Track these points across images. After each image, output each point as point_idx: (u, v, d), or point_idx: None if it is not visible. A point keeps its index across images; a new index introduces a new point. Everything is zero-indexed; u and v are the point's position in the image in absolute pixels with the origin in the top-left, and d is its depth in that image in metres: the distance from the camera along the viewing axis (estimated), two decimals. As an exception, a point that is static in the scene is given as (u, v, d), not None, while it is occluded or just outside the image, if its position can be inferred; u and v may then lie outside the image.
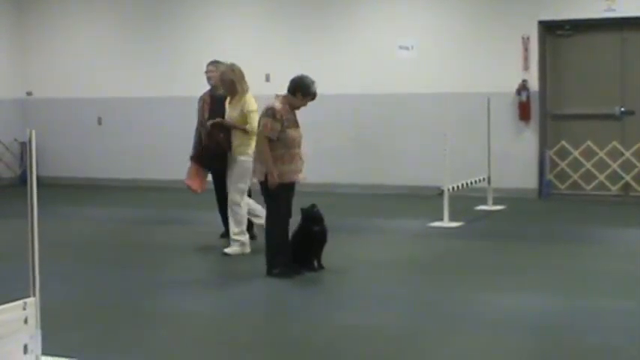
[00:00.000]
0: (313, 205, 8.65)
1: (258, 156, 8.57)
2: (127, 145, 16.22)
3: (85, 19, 16.53)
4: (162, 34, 15.84)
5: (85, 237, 11.09)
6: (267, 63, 15.14)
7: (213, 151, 9.70)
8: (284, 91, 8.66)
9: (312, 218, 8.58)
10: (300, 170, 8.62)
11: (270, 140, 8.41)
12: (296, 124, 8.64)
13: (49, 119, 16.63)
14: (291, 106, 8.58)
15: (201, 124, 10.18)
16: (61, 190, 15.49)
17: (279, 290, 8.19)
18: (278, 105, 8.48)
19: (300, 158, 8.63)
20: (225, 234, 10.23)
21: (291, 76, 14.68)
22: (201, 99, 10.32)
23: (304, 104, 8.63)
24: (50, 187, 14.91)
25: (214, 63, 10.34)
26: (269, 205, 8.61)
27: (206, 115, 10.11)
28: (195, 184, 10.15)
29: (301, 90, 8.50)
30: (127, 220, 12.43)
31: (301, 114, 14.79)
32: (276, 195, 8.46)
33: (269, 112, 8.43)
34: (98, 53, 16.37)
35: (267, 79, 15.15)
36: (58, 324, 6.62)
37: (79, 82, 16.56)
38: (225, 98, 10.11)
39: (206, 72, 10.31)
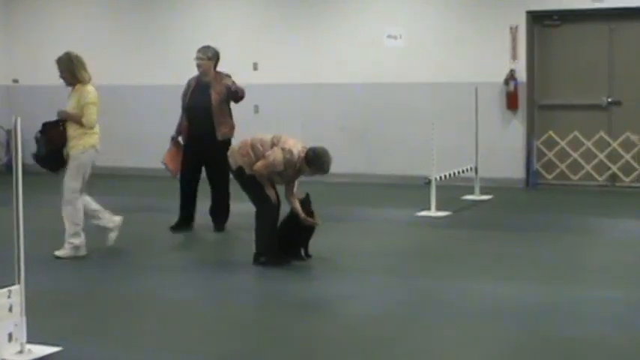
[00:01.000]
0: (307, 195, 8.63)
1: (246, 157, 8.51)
2: (113, 133, 16.11)
3: (73, 7, 16.45)
4: (150, 23, 15.77)
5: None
6: (254, 52, 15.11)
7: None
8: (272, 78, 8.60)
9: (303, 208, 8.56)
10: None
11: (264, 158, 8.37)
12: (280, 182, 8.51)
13: (36, 107, 16.52)
14: (300, 169, 8.43)
15: (183, 108, 10.22)
16: (47, 178, 15.38)
17: (266, 278, 8.18)
18: (296, 158, 8.30)
19: None
20: (178, 226, 10.18)
21: (279, 65, 14.80)
22: (189, 83, 10.30)
23: (311, 175, 8.52)
24: (36, 175, 14.83)
25: (204, 49, 10.25)
26: (252, 196, 8.57)
27: (187, 99, 10.12)
28: (173, 166, 10.13)
29: (314, 165, 8.34)
30: (112, 208, 12.33)
31: (291, 103, 14.82)
32: (254, 184, 8.45)
33: (287, 154, 8.29)
34: (85, 41, 16.26)
35: (255, 67, 15.12)
36: (42, 311, 6.61)
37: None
38: (209, 84, 10.08)
39: (195, 58, 10.25)
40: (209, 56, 10.14)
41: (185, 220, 10.21)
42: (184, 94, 10.27)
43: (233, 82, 10.19)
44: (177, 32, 15.31)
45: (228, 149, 10.00)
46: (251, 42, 15.12)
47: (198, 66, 10.17)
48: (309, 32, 14.83)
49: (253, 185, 8.49)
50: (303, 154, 8.34)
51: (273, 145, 8.41)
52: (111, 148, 16.11)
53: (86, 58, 16.27)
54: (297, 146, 8.39)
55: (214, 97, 10.05)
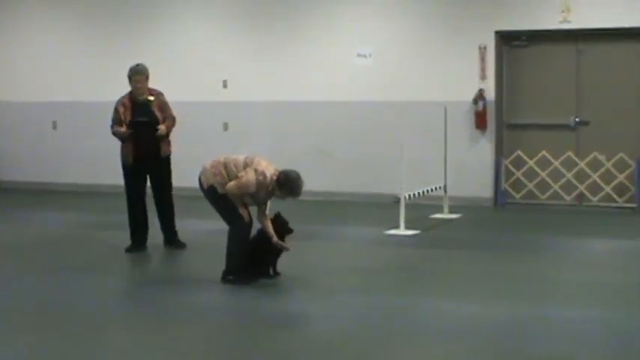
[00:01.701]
0: (276, 215, 8.62)
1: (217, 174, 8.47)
2: (81, 149, 16.09)
3: (42, 24, 16.38)
4: (118, 41, 15.72)
5: (35, 242, 10.96)
6: (224, 69, 15.10)
7: None
8: (242, 96, 8.56)
9: (279, 226, 8.55)
10: None
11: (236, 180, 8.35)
12: (251, 203, 8.50)
13: (4, 123, 16.45)
14: (272, 191, 8.42)
15: (121, 123, 9.98)
16: (15, 195, 15.31)
17: (234, 297, 8.14)
18: (268, 181, 8.29)
19: None
20: (133, 247, 10.12)
21: (248, 83, 14.81)
22: (123, 104, 10.08)
23: (282, 198, 8.50)
24: (3, 191, 14.75)
25: (140, 69, 10.11)
26: (225, 215, 8.54)
27: (127, 119, 9.98)
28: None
29: (286, 188, 8.35)
30: (79, 225, 12.31)
31: (260, 121, 14.81)
32: (226, 203, 8.43)
33: (260, 176, 8.27)
34: (54, 57, 16.22)
35: (225, 85, 15.11)
36: (1, 332, 6.53)
37: (34, 85, 16.40)
38: (150, 102, 10.05)
39: (134, 81, 10.06)
40: (147, 76, 10.13)
41: (140, 243, 10.16)
42: (116, 114, 10.07)
43: (173, 118, 10.19)
44: (146, 50, 15.22)
45: (169, 165, 10.07)
46: (221, 60, 15.11)
47: (138, 88, 10.08)
48: (279, 50, 14.84)
49: (225, 204, 8.46)
50: (275, 177, 8.34)
51: (246, 166, 8.40)
52: (81, 165, 16.09)
53: (55, 75, 16.33)
54: (269, 169, 8.38)
55: (159, 114, 10.08)
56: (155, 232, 10.32)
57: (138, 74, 10.08)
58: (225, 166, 8.45)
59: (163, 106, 10.17)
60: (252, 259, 8.52)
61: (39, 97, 16.36)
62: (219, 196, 8.45)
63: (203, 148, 13.17)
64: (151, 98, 10.10)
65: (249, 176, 8.28)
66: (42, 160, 16.41)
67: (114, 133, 10.07)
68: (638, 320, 7.17)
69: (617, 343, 6.55)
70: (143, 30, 15.61)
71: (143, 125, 9.95)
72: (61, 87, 16.17)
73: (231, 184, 8.33)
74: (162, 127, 10.03)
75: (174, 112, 10.29)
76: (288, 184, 8.33)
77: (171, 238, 10.28)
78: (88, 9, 15.98)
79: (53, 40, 16.23)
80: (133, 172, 10.09)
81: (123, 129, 9.93)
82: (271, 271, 8.65)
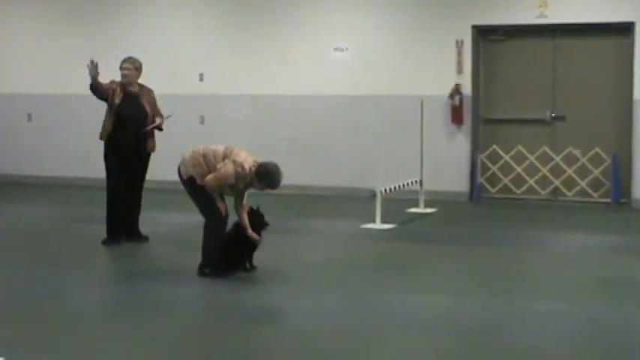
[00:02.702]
0: (251, 208, 8.62)
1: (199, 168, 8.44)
2: (57, 142, 16.00)
3: (16, 15, 16.26)
4: (94, 32, 15.64)
5: (9, 234, 10.90)
6: (201, 62, 15.05)
7: None
8: (218, 89, 8.53)
9: (253, 221, 8.56)
10: None
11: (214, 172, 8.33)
12: (229, 194, 8.50)
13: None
14: (251, 183, 8.41)
15: (106, 92, 9.97)
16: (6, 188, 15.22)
17: (211, 290, 8.13)
18: (247, 172, 8.27)
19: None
20: (110, 239, 10.08)
21: (225, 76, 14.77)
22: (113, 89, 10.02)
23: (260, 190, 8.49)
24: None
25: (131, 59, 10.16)
26: (202, 207, 8.53)
27: (116, 103, 9.91)
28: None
29: (266, 180, 8.34)
30: (53, 219, 12.26)
31: (237, 114, 14.78)
32: (204, 195, 8.42)
33: (238, 168, 8.24)
34: (28, 49, 16.12)
35: (201, 78, 15.07)
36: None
37: (9, 77, 16.29)
38: (138, 95, 10.03)
39: (122, 68, 10.12)
40: (136, 66, 10.13)
41: (118, 235, 10.11)
42: (111, 92, 10.02)
43: (161, 116, 10.19)
44: (123, 43, 15.14)
45: (148, 161, 10.05)
46: (197, 53, 15.06)
47: (125, 76, 10.07)
48: (256, 44, 14.80)
49: (203, 196, 8.44)
50: (254, 169, 8.32)
51: (225, 156, 8.36)
52: (56, 158, 16.00)
53: (30, 66, 16.21)
54: (248, 160, 8.35)
55: (148, 108, 10.05)
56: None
57: (126, 62, 10.11)
58: (205, 156, 8.43)
59: (153, 102, 10.15)
60: (229, 252, 8.51)
61: (14, 89, 16.25)
62: (198, 188, 8.43)
63: (179, 142, 13.11)
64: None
65: (227, 168, 8.26)
66: (16, 153, 16.30)
67: (92, 85, 9.85)
68: (612, 314, 7.21)
69: (591, 337, 6.59)
70: (120, 22, 15.53)
71: (146, 119, 9.95)
72: (36, 79, 16.06)
73: (210, 176, 8.31)
74: (160, 121, 10.10)
75: None
76: (267, 176, 8.32)
77: (137, 232, 10.23)
78: (64, 2, 15.87)
79: (28, 31, 16.12)
80: (117, 164, 10.00)
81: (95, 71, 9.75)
82: (247, 265, 8.65)
